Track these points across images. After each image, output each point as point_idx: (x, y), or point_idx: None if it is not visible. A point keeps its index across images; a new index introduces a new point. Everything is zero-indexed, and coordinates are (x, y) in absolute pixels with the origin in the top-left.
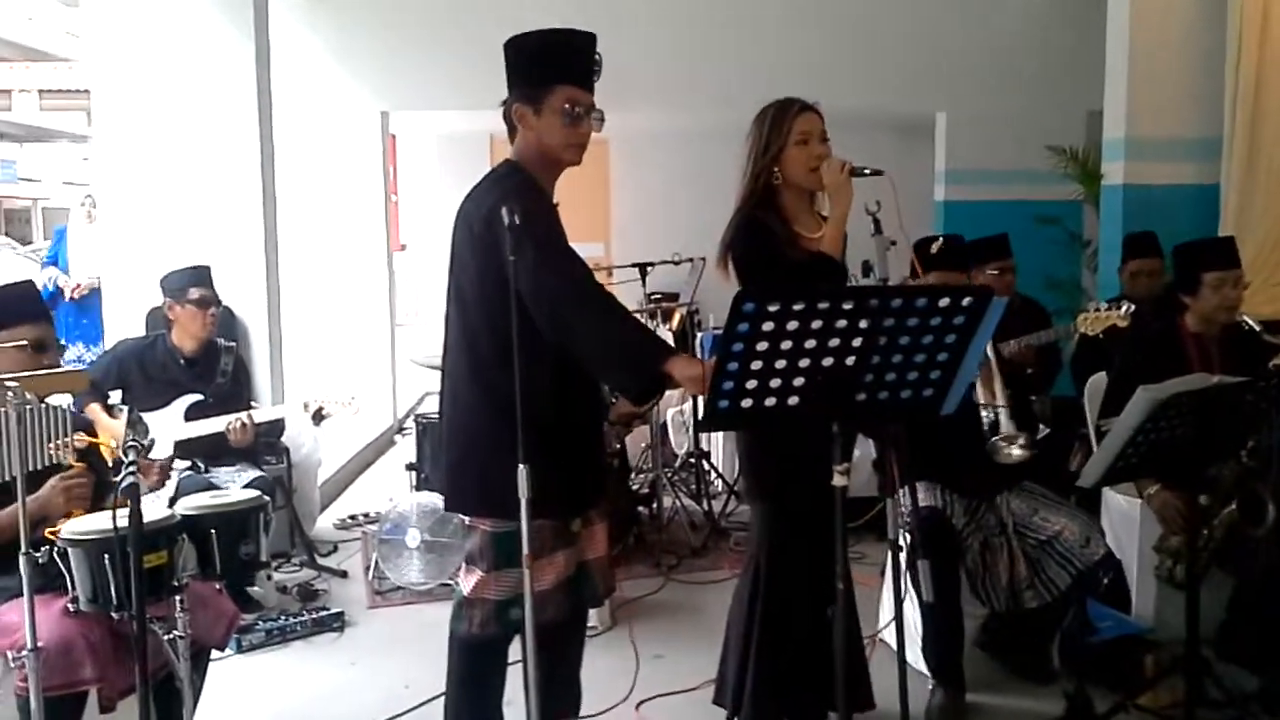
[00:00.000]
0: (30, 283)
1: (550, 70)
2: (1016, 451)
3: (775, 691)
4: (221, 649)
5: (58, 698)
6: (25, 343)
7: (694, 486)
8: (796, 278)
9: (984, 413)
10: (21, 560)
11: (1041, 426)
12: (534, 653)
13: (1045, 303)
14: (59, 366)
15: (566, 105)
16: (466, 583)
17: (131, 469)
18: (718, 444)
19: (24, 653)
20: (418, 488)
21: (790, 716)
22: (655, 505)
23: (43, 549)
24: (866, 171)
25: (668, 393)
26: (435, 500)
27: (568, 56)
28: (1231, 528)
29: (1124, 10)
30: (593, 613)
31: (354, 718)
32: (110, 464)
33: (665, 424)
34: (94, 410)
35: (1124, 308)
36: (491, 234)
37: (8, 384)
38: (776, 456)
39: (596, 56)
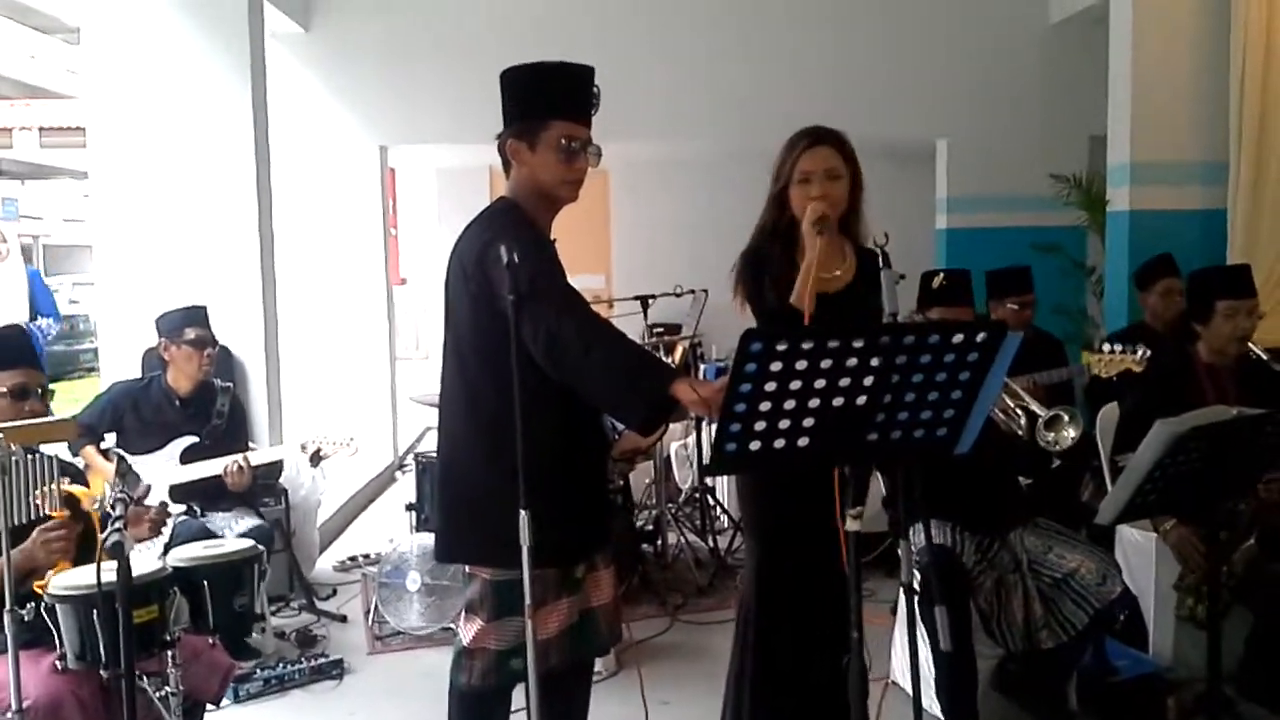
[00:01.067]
0: (16, 326)
1: (546, 104)
2: (1070, 432)
3: None
4: (217, 704)
5: None
6: (4, 390)
7: (699, 522)
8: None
9: (1015, 418)
10: (5, 618)
11: (1053, 459)
12: (538, 704)
13: (1051, 329)
14: (45, 412)
15: (562, 140)
16: (466, 632)
17: (119, 524)
18: (722, 479)
19: (9, 714)
20: (418, 528)
21: None
22: (660, 542)
23: (29, 605)
24: (820, 230)
25: (671, 427)
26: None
27: (564, 90)
28: (1251, 563)
29: (1126, 34)
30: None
31: None
32: (97, 517)
33: (669, 459)
34: (89, 454)
35: (1140, 352)
36: (484, 273)
37: None
38: (768, 495)
39: (595, 89)
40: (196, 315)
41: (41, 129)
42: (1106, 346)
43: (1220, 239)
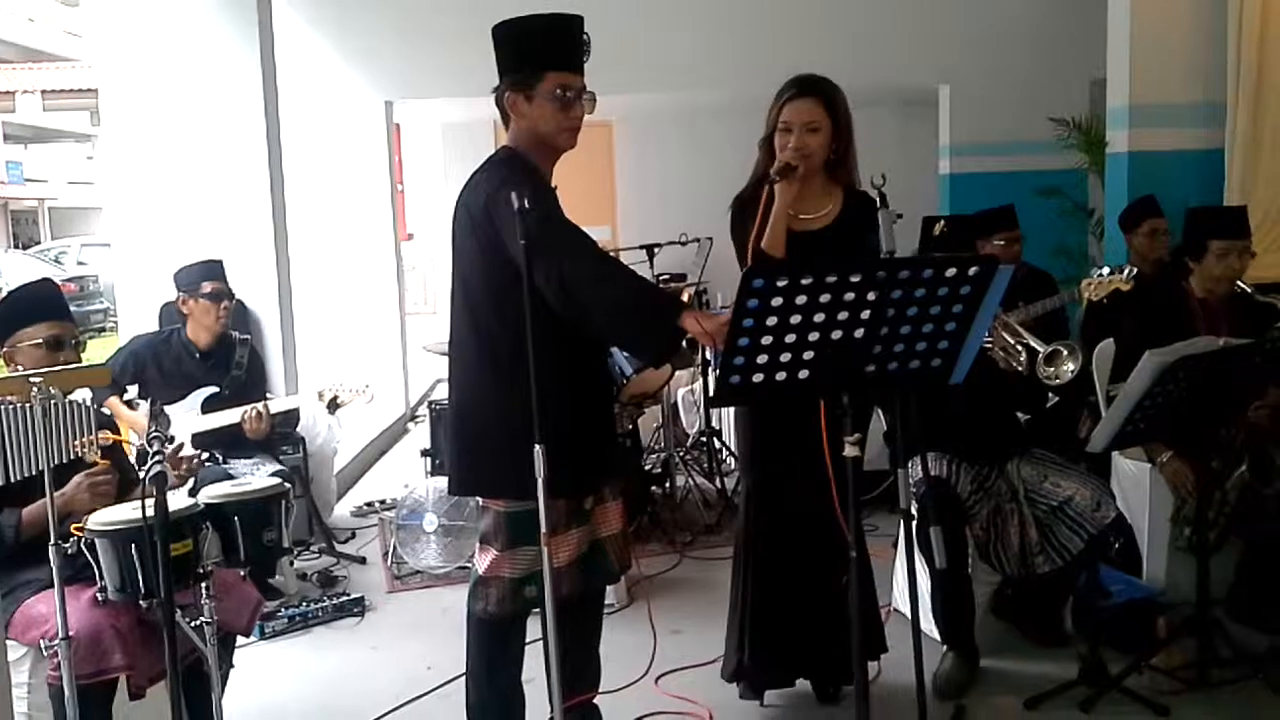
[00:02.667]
0: (48, 281)
1: (539, 56)
2: (1069, 366)
3: (770, 657)
4: (247, 635)
5: (89, 686)
6: (41, 341)
7: (706, 465)
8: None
9: (1014, 354)
10: (51, 551)
11: (1050, 395)
12: (554, 629)
13: (1053, 271)
14: (77, 362)
15: (558, 90)
16: (481, 562)
17: (158, 458)
18: (728, 422)
19: (56, 642)
20: (433, 473)
21: (799, 675)
22: (668, 484)
23: (70, 540)
24: (775, 178)
25: (678, 373)
26: None
27: (556, 41)
28: (1243, 490)
29: None
30: (610, 590)
31: (377, 700)
32: (134, 458)
33: (676, 404)
34: (114, 404)
35: (1126, 271)
36: (491, 220)
37: (32, 380)
38: (758, 429)
39: (585, 37)
40: (213, 269)
41: (44, 92)
42: (1095, 271)
43: (1218, 180)
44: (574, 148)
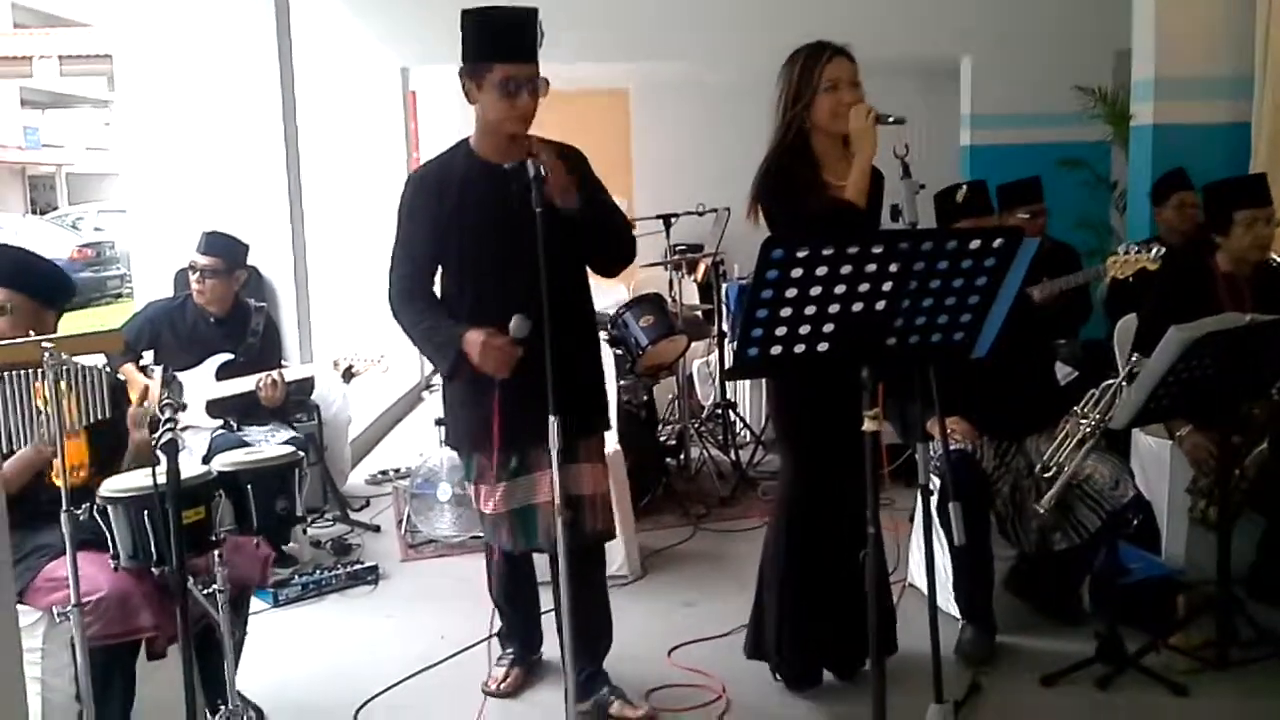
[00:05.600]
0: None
1: (486, 49)
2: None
3: (812, 638)
4: (263, 587)
5: (114, 645)
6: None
7: (721, 437)
8: (817, 227)
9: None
10: (63, 518)
11: (1070, 369)
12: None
13: (1076, 244)
14: (22, 330)
15: (501, 81)
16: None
17: (169, 426)
18: (744, 394)
19: (88, 598)
20: (446, 442)
21: (826, 664)
22: (683, 456)
23: (83, 506)
24: (890, 120)
25: (693, 344)
26: None
27: (502, 36)
28: (1263, 467)
29: None
30: (622, 561)
31: (390, 668)
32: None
33: (691, 375)
34: (128, 370)
35: (1154, 250)
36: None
37: (44, 345)
38: (800, 400)
39: (538, 29)
40: (208, 243)
41: (61, 57)
42: (1122, 248)
43: (1244, 152)
44: (523, 133)
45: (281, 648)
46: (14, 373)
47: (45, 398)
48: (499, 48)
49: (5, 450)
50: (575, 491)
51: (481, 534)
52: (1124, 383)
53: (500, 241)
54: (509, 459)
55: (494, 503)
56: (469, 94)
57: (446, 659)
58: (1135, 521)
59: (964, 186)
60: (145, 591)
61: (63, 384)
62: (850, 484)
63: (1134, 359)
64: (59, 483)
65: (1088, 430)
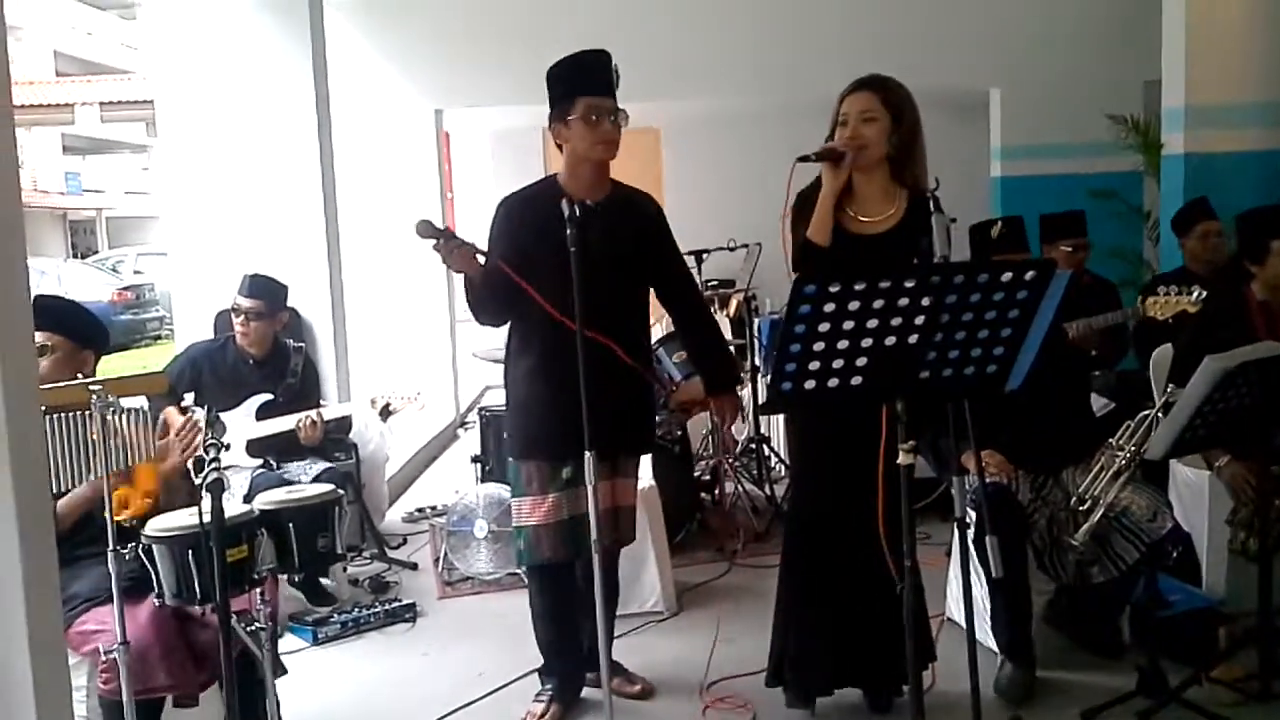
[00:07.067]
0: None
1: (572, 84)
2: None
3: (810, 663)
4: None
5: (138, 701)
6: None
7: (755, 472)
8: (796, 257)
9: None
10: (110, 557)
11: (1106, 400)
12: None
13: (1108, 274)
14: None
15: (585, 110)
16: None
17: (214, 465)
18: (778, 429)
19: (114, 648)
20: (483, 479)
21: (825, 689)
22: (717, 491)
23: (129, 545)
24: (811, 157)
25: None
26: (501, 491)
27: (584, 72)
28: None
29: None
30: (658, 597)
31: (428, 706)
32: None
33: None
34: (170, 413)
35: (1195, 294)
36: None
37: (91, 387)
38: (808, 439)
39: (614, 68)
40: (246, 284)
41: (102, 104)
42: (1161, 289)
43: (1277, 179)
44: (612, 158)
45: (321, 686)
46: (62, 415)
47: (98, 437)
48: (582, 83)
49: (56, 490)
50: (622, 503)
51: (518, 571)
52: (1159, 414)
53: (571, 270)
54: (562, 470)
55: (543, 512)
56: (558, 135)
57: (484, 696)
58: (1174, 553)
59: (999, 222)
60: (166, 646)
61: (109, 420)
62: (851, 508)
63: (1169, 389)
64: (119, 517)
65: (1123, 462)
